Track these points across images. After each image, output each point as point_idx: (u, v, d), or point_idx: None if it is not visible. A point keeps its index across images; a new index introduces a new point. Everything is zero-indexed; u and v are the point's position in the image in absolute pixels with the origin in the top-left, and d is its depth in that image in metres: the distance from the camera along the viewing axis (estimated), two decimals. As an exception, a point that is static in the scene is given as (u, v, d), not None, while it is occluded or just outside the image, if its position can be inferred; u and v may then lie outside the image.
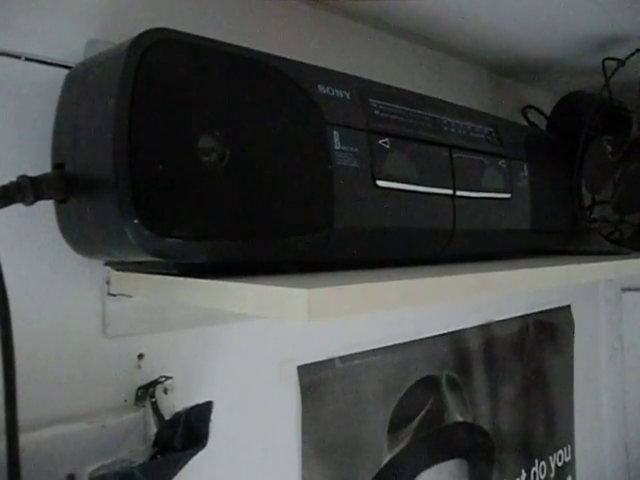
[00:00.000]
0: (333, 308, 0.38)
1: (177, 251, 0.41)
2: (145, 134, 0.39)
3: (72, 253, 0.49)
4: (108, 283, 0.54)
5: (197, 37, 0.44)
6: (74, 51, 0.51)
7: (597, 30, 0.87)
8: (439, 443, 0.91)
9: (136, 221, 0.39)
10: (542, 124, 1.02)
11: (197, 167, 0.41)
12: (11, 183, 0.40)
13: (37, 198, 0.41)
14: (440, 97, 0.66)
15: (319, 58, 0.62)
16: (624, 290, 1.36)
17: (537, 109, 1.05)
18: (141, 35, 0.41)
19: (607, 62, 0.86)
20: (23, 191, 0.40)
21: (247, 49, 0.47)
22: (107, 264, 0.53)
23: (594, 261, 0.72)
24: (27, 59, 0.49)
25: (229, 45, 0.46)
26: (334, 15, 0.78)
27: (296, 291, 0.37)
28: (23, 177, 0.41)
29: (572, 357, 1.26)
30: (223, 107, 0.44)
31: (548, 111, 1.00)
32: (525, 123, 1.03)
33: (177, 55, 0.42)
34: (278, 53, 0.50)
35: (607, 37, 0.89)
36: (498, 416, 1.04)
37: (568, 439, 1.25)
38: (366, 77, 0.58)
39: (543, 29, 0.87)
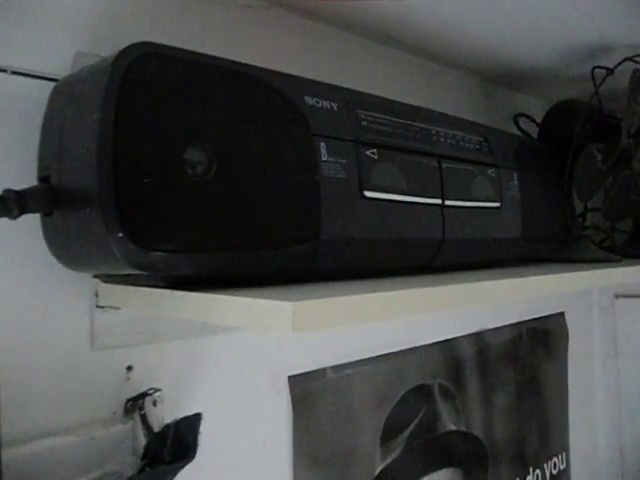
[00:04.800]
0: (318, 321, 0.38)
1: (162, 264, 0.41)
2: (130, 147, 0.39)
3: (59, 265, 0.48)
4: (96, 295, 0.54)
5: (182, 50, 0.44)
6: (61, 64, 0.52)
7: (586, 39, 0.88)
8: (432, 452, 0.90)
9: (121, 235, 0.39)
10: (534, 132, 1.02)
11: (183, 180, 0.41)
12: (-5, 197, 0.40)
13: (22, 212, 0.41)
14: (431, 106, 0.66)
15: (307, 69, 0.62)
16: (617, 297, 1.36)
17: (528, 117, 1.05)
18: (126, 49, 0.41)
19: (596, 71, 0.86)
20: (8, 205, 0.40)
21: (233, 61, 0.47)
22: (95, 276, 0.53)
23: (586, 269, 0.72)
24: (13, 72, 0.49)
25: (215, 58, 0.46)
26: (322, 25, 0.78)
27: (281, 304, 0.37)
28: (8, 191, 0.41)
29: (566, 364, 1.26)
30: (209, 120, 0.44)
31: (539, 119, 1.00)
32: (517, 131, 1.04)
33: (162, 68, 0.42)
34: (265, 65, 0.50)
35: (596, 46, 0.89)
36: (492, 424, 1.04)
37: (563, 446, 1.25)
38: (356, 87, 0.58)
39: (534, 38, 0.87)
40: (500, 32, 0.85)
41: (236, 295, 0.41)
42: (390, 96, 0.62)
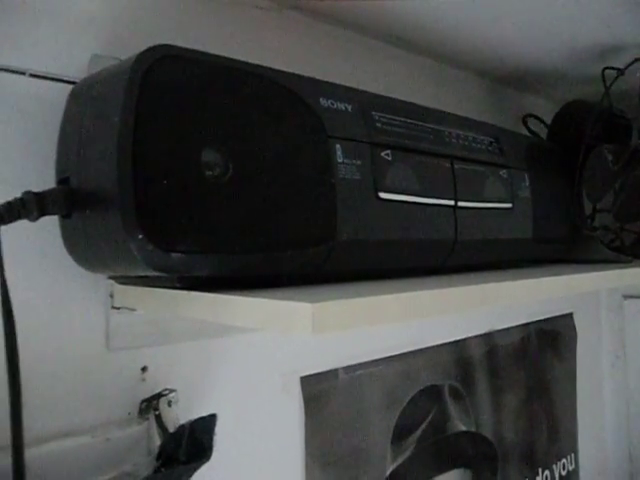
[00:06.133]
0: (337, 322, 0.38)
1: (181, 265, 0.41)
2: (149, 149, 0.40)
3: (76, 267, 0.49)
4: (111, 296, 0.55)
5: (200, 52, 0.44)
6: (78, 66, 0.52)
7: (597, 40, 0.88)
8: (442, 453, 0.90)
9: (140, 236, 0.39)
10: (543, 132, 1.02)
11: (200, 181, 0.42)
12: (16, 199, 0.41)
13: (42, 214, 0.42)
14: (442, 107, 0.67)
15: (320, 70, 0.62)
16: (626, 297, 1.36)
17: (538, 118, 1.05)
18: (144, 52, 0.41)
19: (607, 71, 0.86)
20: (28, 207, 0.41)
21: (249, 63, 0.47)
22: (110, 277, 0.54)
23: (595, 270, 0.72)
24: (32, 75, 0.49)
25: (231, 60, 0.46)
26: (334, 27, 0.78)
27: (300, 305, 0.37)
28: (28, 193, 0.41)
29: (575, 365, 1.26)
30: (226, 121, 0.44)
31: (549, 119, 1.00)
32: (526, 132, 1.04)
33: (180, 71, 0.42)
34: (279, 66, 0.50)
35: (606, 47, 0.89)
36: (501, 425, 1.04)
37: (572, 447, 1.24)
38: (367, 88, 0.59)
39: (543, 39, 0.87)
40: (509, 33, 0.85)
41: (254, 296, 0.41)
42: (399, 97, 0.62)
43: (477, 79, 1.04)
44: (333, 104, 0.51)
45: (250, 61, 0.48)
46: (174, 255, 0.40)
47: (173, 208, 0.40)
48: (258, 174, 0.45)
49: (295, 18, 0.73)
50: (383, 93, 0.60)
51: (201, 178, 0.42)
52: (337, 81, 0.56)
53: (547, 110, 1.08)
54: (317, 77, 0.54)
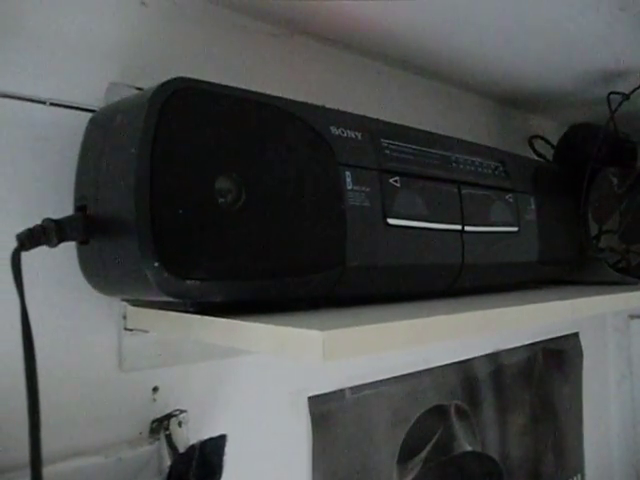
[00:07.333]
0: (347, 349, 0.39)
1: (196, 292, 0.42)
2: (166, 179, 0.41)
3: (90, 289, 0.50)
4: (124, 318, 0.56)
5: (214, 84, 0.46)
6: (95, 94, 0.53)
7: (602, 64, 0.89)
8: (448, 473, 0.91)
9: (156, 264, 0.40)
10: (549, 153, 1.03)
11: (214, 209, 0.43)
12: (36, 226, 0.42)
13: (61, 240, 0.43)
14: (447, 128, 0.68)
15: (329, 93, 0.63)
16: (632, 317, 1.36)
17: (544, 139, 1.06)
18: (162, 84, 0.42)
19: (612, 96, 0.87)
20: (48, 234, 0.42)
21: (262, 94, 0.49)
22: (123, 300, 0.55)
23: (601, 292, 0.73)
24: (52, 104, 0.50)
25: (244, 91, 0.47)
26: (343, 51, 0.80)
27: (311, 333, 0.38)
28: (48, 220, 0.42)
29: (581, 384, 1.26)
30: (239, 150, 0.45)
31: (554, 140, 1.01)
32: (532, 152, 1.04)
33: (196, 102, 0.44)
34: (290, 91, 0.51)
35: (612, 71, 0.90)
36: (507, 445, 1.04)
37: (578, 468, 1.24)
38: (375, 110, 0.60)
39: (549, 63, 0.88)
40: (515, 56, 0.86)
41: (266, 322, 0.42)
42: (406, 119, 0.63)
43: (484, 101, 1.06)
44: (343, 132, 0.53)
45: (262, 86, 0.49)
46: (189, 282, 0.41)
47: (188, 236, 0.41)
48: (270, 201, 0.46)
49: (305, 43, 0.75)
50: (391, 115, 0.62)
51: (215, 206, 0.43)
52: (346, 103, 0.57)
53: (553, 131, 1.10)
54: (326, 100, 0.55)
